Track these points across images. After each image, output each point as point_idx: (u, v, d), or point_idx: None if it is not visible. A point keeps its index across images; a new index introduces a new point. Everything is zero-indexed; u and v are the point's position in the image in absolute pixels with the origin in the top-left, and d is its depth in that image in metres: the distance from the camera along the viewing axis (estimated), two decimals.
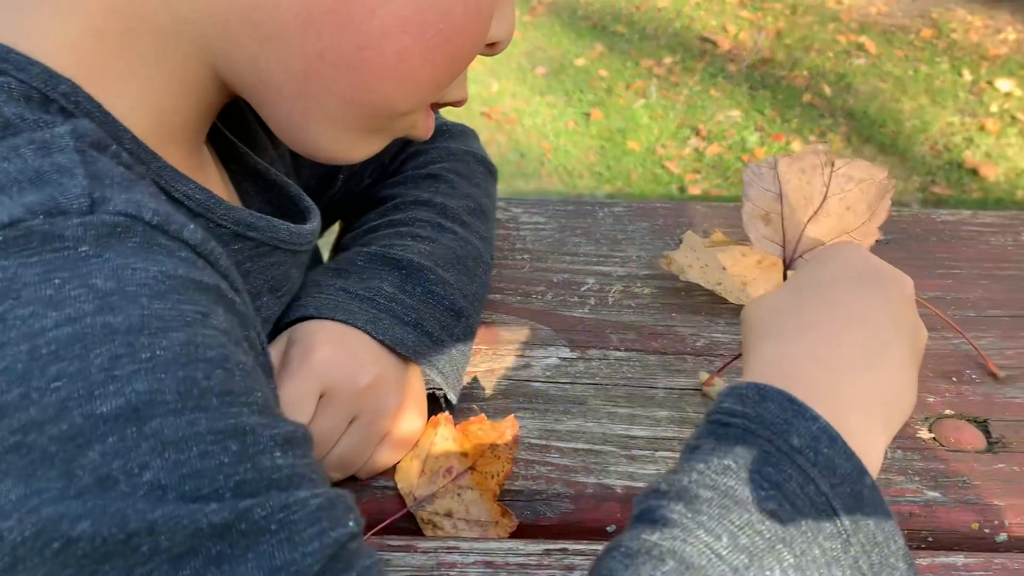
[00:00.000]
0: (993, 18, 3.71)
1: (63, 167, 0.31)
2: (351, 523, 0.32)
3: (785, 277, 0.54)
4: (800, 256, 0.56)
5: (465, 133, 0.72)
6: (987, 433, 0.56)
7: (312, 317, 0.51)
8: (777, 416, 0.35)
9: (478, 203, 0.66)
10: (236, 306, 0.35)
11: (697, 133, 2.94)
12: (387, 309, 0.53)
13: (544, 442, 0.55)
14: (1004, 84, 3.17)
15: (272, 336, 0.52)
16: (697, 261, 0.67)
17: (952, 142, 2.86)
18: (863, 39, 3.57)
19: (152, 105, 0.39)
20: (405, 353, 0.52)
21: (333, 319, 0.51)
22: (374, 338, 0.51)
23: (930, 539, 0.50)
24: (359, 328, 0.51)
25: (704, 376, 0.60)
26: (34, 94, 0.34)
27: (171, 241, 0.32)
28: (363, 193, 0.67)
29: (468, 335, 0.58)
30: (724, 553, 0.31)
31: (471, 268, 0.60)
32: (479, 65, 3.39)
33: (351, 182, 0.66)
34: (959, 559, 0.47)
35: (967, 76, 3.26)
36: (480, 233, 0.64)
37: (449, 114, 0.75)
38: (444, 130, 0.70)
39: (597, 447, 0.55)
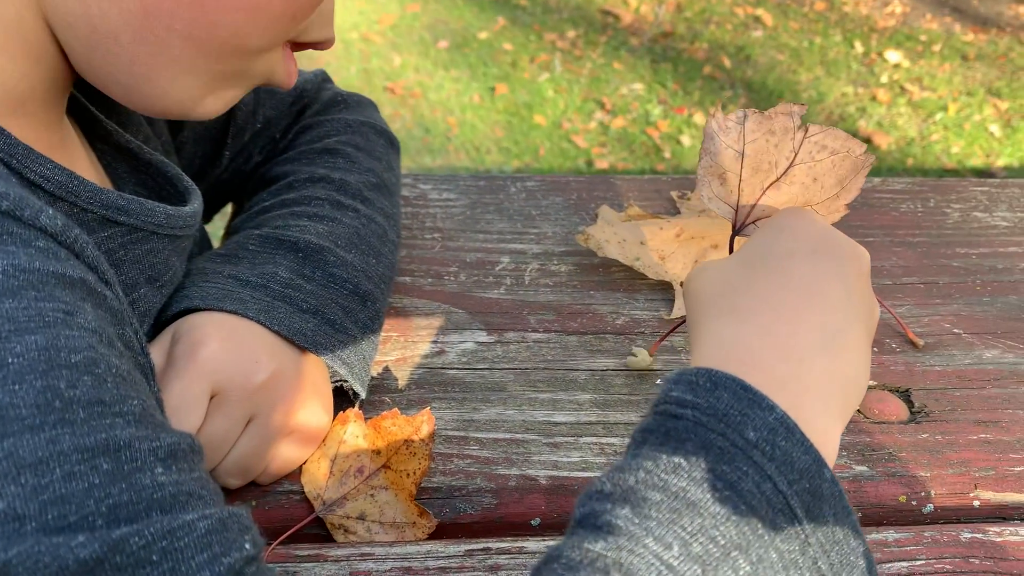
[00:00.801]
0: None
1: None
2: (247, 545, 0.28)
3: (732, 244, 0.51)
4: (752, 223, 0.52)
5: (362, 104, 0.67)
6: (910, 403, 0.55)
7: (199, 309, 0.46)
8: (731, 407, 0.32)
9: (380, 178, 0.61)
10: (107, 301, 0.31)
11: (602, 107, 2.94)
12: (283, 296, 0.48)
13: (462, 434, 0.52)
14: (893, 55, 3.28)
15: (154, 332, 0.46)
16: (615, 236, 0.65)
17: (847, 112, 2.94)
18: (760, 12, 3.63)
19: (6, 87, 0.34)
20: (304, 344, 0.48)
21: (222, 310, 0.46)
22: (269, 329, 0.47)
23: (860, 515, 0.49)
24: (251, 319, 0.46)
25: (637, 351, 0.57)
26: None
27: (25, 229, 0.28)
28: (253, 172, 0.62)
29: (375, 321, 0.54)
30: (675, 564, 0.28)
31: (376, 248, 0.56)
32: (380, 39, 3.30)
33: (238, 160, 0.61)
34: (890, 534, 0.46)
35: (859, 48, 3.35)
36: (384, 210, 0.60)
37: (350, 89, 0.70)
38: (339, 100, 0.65)
39: (518, 436, 0.52)
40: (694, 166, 2.75)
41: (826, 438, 0.34)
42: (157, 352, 0.44)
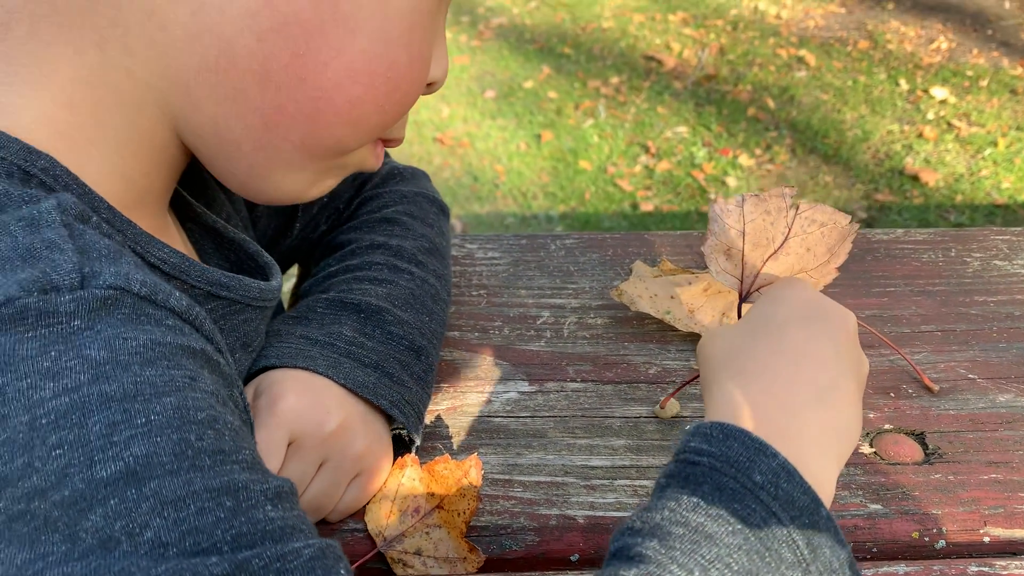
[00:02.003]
0: (925, 28, 3.84)
1: (52, 243, 0.32)
2: (342, 571, 0.33)
3: (740, 310, 0.57)
4: (756, 290, 0.58)
5: (416, 175, 0.74)
6: (924, 445, 0.59)
7: (276, 366, 0.53)
8: (740, 454, 0.38)
9: (432, 243, 0.68)
10: (221, 367, 0.37)
11: (646, 150, 2.99)
12: (347, 353, 0.55)
13: (507, 477, 0.57)
14: (939, 92, 3.28)
15: None
16: (646, 291, 0.70)
17: (892, 150, 2.94)
18: (803, 52, 3.67)
19: (121, 172, 0.41)
20: (367, 396, 0.54)
21: (296, 367, 0.53)
22: (336, 382, 0.53)
23: (874, 550, 0.53)
24: (321, 373, 0.53)
25: (664, 400, 0.63)
26: (15, 170, 0.36)
27: (158, 310, 0.34)
28: (320, 239, 0.69)
29: (429, 373, 0.60)
30: None
31: (428, 307, 0.62)
32: None
33: (307, 229, 0.68)
34: (900, 568, 0.50)
35: (904, 85, 3.36)
36: (436, 272, 0.66)
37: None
38: (396, 174, 0.72)
39: (558, 479, 0.57)
40: None
41: (823, 479, 0.39)
42: None
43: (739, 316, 0.53)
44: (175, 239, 0.49)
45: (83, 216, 0.35)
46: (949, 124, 3.09)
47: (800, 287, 0.48)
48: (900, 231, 0.83)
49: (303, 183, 0.46)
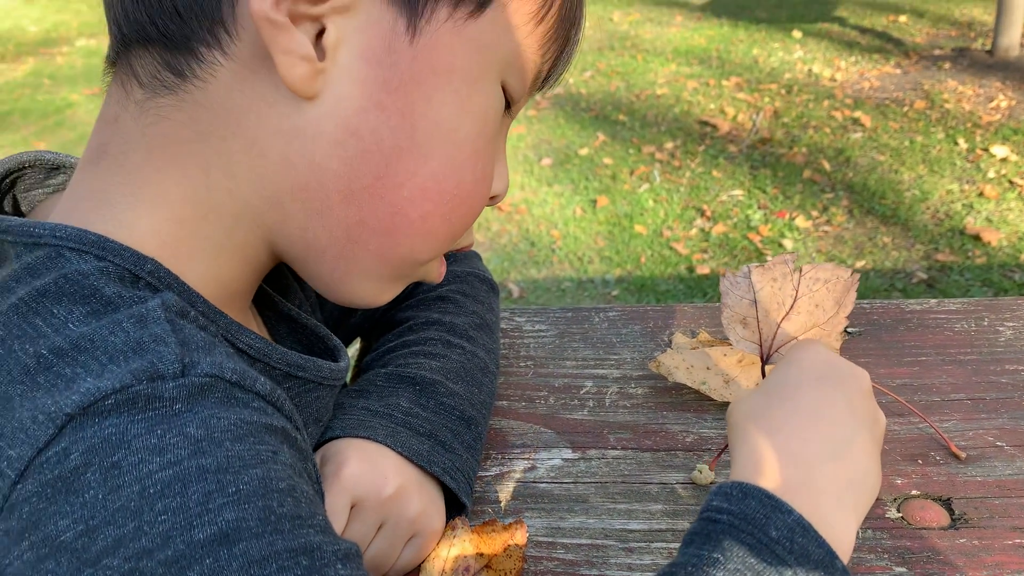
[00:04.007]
0: (983, 87, 3.83)
1: (158, 337, 0.38)
2: None
3: (764, 372, 0.60)
4: (776, 351, 0.62)
5: (469, 256, 0.80)
6: (950, 510, 0.61)
7: (340, 436, 0.58)
8: (757, 511, 0.42)
9: (483, 319, 0.74)
10: (298, 443, 0.43)
11: (702, 214, 3.03)
12: (404, 423, 0.60)
13: (551, 539, 0.62)
14: (999, 150, 3.26)
15: None
16: (683, 362, 0.74)
17: (952, 209, 2.93)
18: (858, 114, 3.69)
19: (216, 276, 0.47)
20: (421, 463, 0.59)
21: (358, 436, 0.58)
22: (394, 450, 0.58)
23: None
24: (380, 442, 0.58)
25: (701, 467, 0.66)
26: (126, 274, 0.42)
27: (246, 394, 0.40)
28: (382, 316, 0.76)
29: (478, 442, 0.65)
30: None
31: (478, 379, 0.68)
32: None
33: (369, 310, 0.74)
34: None
35: (962, 144, 3.35)
36: (486, 346, 0.72)
37: None
38: (450, 255, 0.78)
39: (598, 542, 0.61)
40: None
41: (840, 529, 0.43)
42: None
43: (763, 378, 0.57)
44: (254, 325, 0.56)
45: (183, 312, 0.42)
46: (1011, 182, 3.06)
47: (814, 349, 0.52)
48: (933, 301, 0.86)
49: (375, 290, 0.52)
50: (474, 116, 0.47)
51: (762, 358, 0.62)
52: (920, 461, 0.66)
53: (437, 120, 0.46)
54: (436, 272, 0.55)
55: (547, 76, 0.53)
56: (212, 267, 0.47)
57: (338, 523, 0.55)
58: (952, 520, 0.61)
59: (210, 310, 0.45)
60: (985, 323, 0.82)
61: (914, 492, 0.63)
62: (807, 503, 0.42)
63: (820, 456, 0.45)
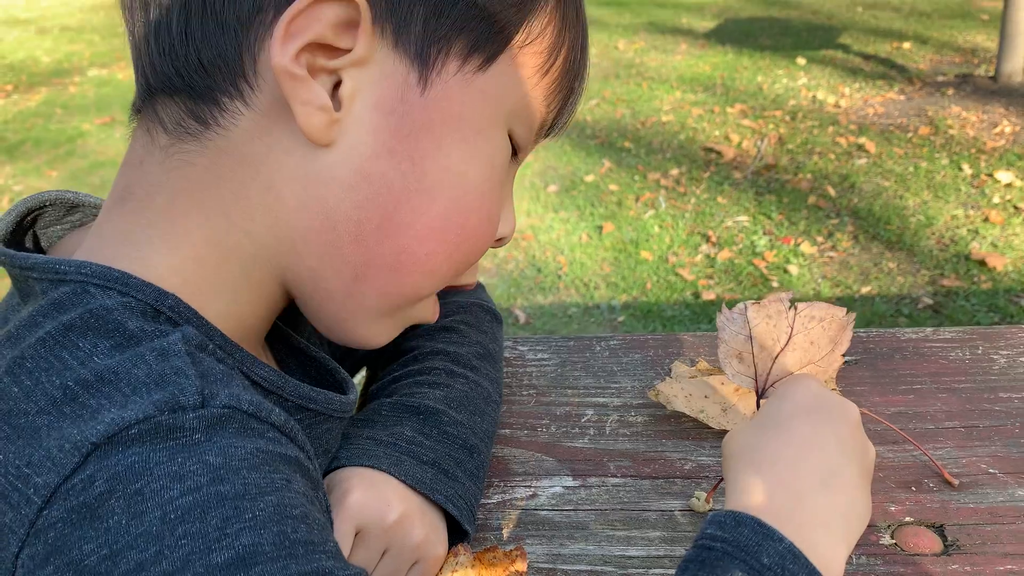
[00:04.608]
0: (987, 113, 3.85)
1: (179, 369, 0.40)
2: None
3: (758, 405, 0.62)
4: (771, 386, 0.63)
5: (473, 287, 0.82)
6: (943, 537, 0.63)
7: (345, 465, 0.60)
8: (750, 539, 0.43)
9: (486, 348, 0.75)
10: (310, 472, 0.44)
11: (707, 240, 3.05)
12: (408, 451, 0.62)
13: (551, 566, 0.63)
14: (1004, 176, 3.27)
15: None
16: (682, 391, 0.76)
17: (958, 235, 2.94)
18: (863, 140, 3.71)
19: (234, 313, 0.49)
20: (424, 491, 0.61)
21: (362, 465, 0.60)
22: (397, 478, 0.60)
23: None
24: (384, 471, 0.60)
25: (698, 495, 0.68)
26: (148, 309, 0.44)
27: (261, 424, 0.42)
28: (386, 346, 0.77)
29: (481, 469, 0.66)
30: None
31: (481, 408, 0.69)
32: None
33: None
34: None
35: (967, 170, 3.37)
36: (489, 375, 0.73)
37: None
38: (455, 285, 0.80)
39: (597, 568, 0.63)
40: (802, 293, 2.77)
41: (830, 557, 0.45)
42: None
43: (757, 411, 0.59)
44: (265, 358, 0.57)
45: (202, 345, 0.44)
46: (1016, 208, 3.07)
47: (805, 384, 0.53)
48: (929, 330, 0.87)
49: (375, 332, 0.54)
50: (481, 162, 0.50)
51: (757, 392, 0.63)
52: (914, 488, 0.67)
53: (446, 165, 0.48)
54: (431, 312, 0.58)
55: (552, 124, 0.55)
56: (230, 304, 0.49)
57: (343, 549, 0.56)
58: (945, 546, 0.62)
59: (227, 344, 0.47)
60: (980, 351, 0.83)
61: (908, 519, 0.64)
62: (798, 532, 0.44)
63: (811, 487, 0.47)
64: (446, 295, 0.79)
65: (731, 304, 0.61)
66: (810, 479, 0.47)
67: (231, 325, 0.48)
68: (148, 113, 0.48)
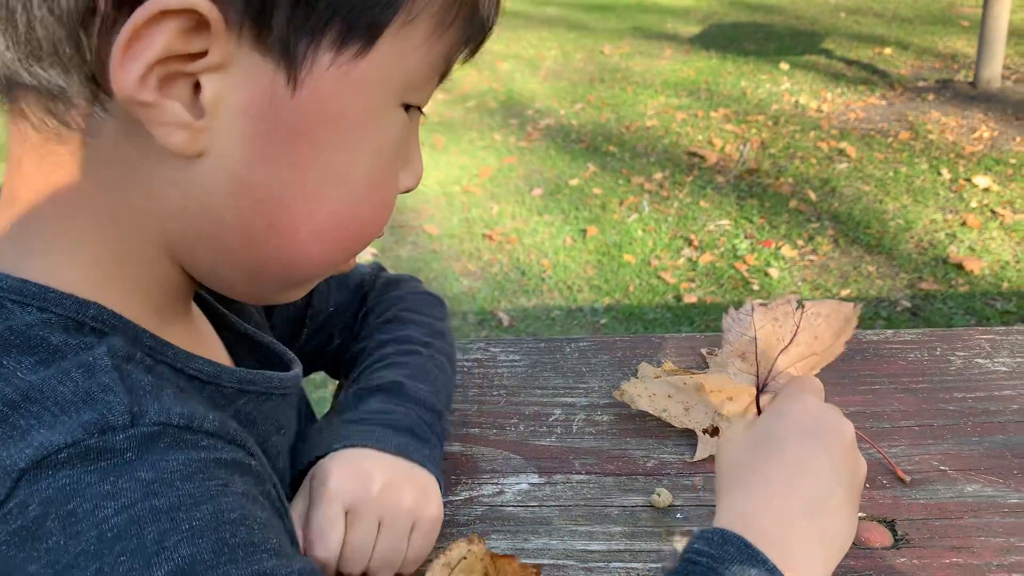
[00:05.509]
0: (966, 118, 3.89)
1: (106, 386, 0.40)
2: None
3: (758, 401, 0.62)
4: (772, 380, 0.62)
5: (406, 279, 0.84)
6: (894, 531, 0.65)
7: (322, 455, 0.62)
8: (734, 557, 0.45)
9: (432, 327, 0.78)
10: (252, 468, 0.45)
11: (690, 243, 3.07)
12: (380, 422, 0.64)
13: None
14: (981, 180, 3.31)
15: (294, 476, 0.63)
16: (645, 391, 0.78)
17: (936, 239, 2.97)
18: (844, 145, 3.75)
19: (154, 306, 0.49)
20: (402, 453, 0.62)
21: (338, 447, 0.62)
22: (377, 448, 0.62)
23: None
24: (361, 446, 0.62)
25: (659, 491, 0.69)
26: (70, 323, 0.43)
27: (194, 434, 0.42)
28: (339, 352, 0.80)
29: (444, 432, 0.70)
30: None
31: (438, 376, 0.73)
32: (479, 190, 3.57)
33: (319, 337, 0.78)
34: None
35: (946, 174, 3.40)
36: (439, 348, 0.76)
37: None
38: (391, 282, 0.83)
39: (560, 561, 0.64)
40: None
41: None
42: (302, 498, 0.60)
43: (757, 408, 0.60)
44: (213, 346, 0.58)
45: (129, 356, 0.43)
46: (993, 212, 3.11)
47: (802, 401, 0.54)
48: (890, 332, 0.90)
49: (290, 295, 0.54)
50: (369, 154, 0.47)
51: (757, 388, 0.63)
52: (868, 485, 0.69)
53: (328, 167, 0.45)
54: (346, 266, 0.56)
55: (459, 55, 0.50)
56: (145, 300, 0.48)
57: (337, 532, 0.58)
58: (895, 541, 0.64)
59: (157, 344, 0.46)
60: (938, 353, 0.86)
61: (861, 514, 0.66)
62: (781, 554, 0.45)
63: (799, 513, 0.48)
64: (385, 290, 0.82)
65: (738, 305, 0.61)
66: (799, 505, 0.49)
67: (154, 318, 0.48)
68: (14, 104, 0.44)
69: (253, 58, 0.41)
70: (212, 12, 0.39)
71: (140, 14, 0.38)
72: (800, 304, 0.63)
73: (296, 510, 0.61)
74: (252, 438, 0.48)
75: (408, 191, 0.54)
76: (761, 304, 0.63)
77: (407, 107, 0.48)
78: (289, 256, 0.48)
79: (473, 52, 0.50)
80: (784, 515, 0.48)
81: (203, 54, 0.40)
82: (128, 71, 0.39)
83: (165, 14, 0.38)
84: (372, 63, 0.43)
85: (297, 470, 0.64)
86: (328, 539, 0.58)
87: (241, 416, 0.53)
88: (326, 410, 0.75)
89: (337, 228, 0.48)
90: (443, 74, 0.49)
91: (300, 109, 0.43)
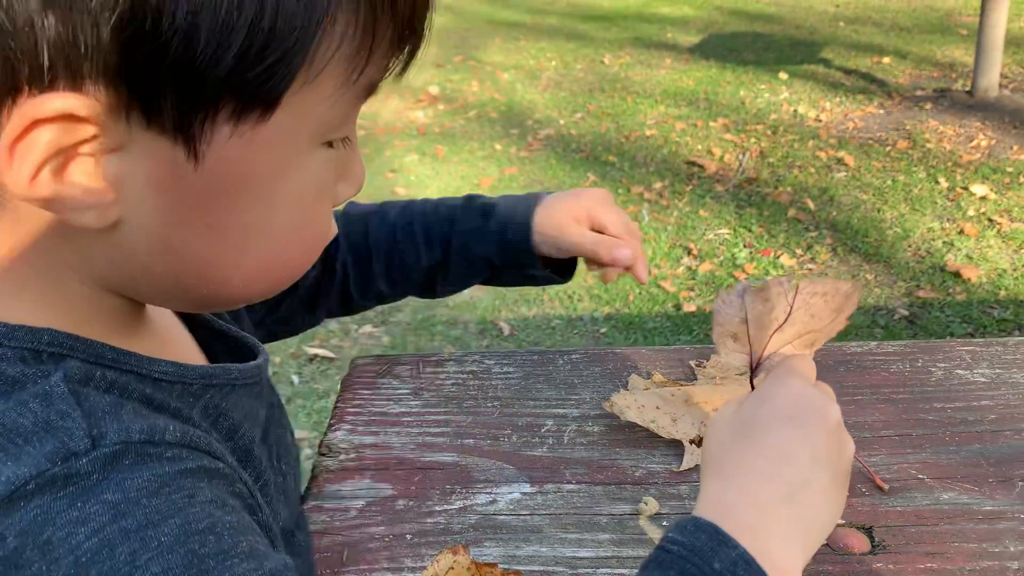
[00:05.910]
0: (964, 126, 3.92)
1: (64, 413, 0.41)
2: None
3: (751, 379, 0.61)
4: (767, 360, 0.61)
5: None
6: (871, 537, 0.67)
7: None
8: (705, 544, 0.46)
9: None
10: (220, 471, 0.46)
11: (689, 252, 3.10)
12: None
13: (506, 566, 0.67)
14: (979, 189, 3.34)
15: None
16: (635, 403, 0.80)
17: (933, 247, 3.00)
18: (842, 154, 3.77)
19: (111, 325, 0.49)
20: None
21: None
22: None
23: None
24: None
25: (647, 500, 0.72)
26: (26, 353, 0.44)
27: (156, 448, 0.43)
28: (321, 280, 0.84)
29: None
30: None
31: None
32: None
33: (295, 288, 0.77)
34: None
35: (943, 183, 3.43)
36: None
37: None
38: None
39: (549, 568, 0.67)
40: None
41: (786, 568, 0.47)
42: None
43: (751, 384, 0.61)
44: (183, 345, 0.59)
45: (86, 378, 0.43)
46: (990, 220, 3.13)
47: (788, 385, 0.54)
48: (873, 343, 0.92)
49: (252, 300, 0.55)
50: (287, 203, 0.47)
51: (751, 367, 0.62)
52: (848, 493, 0.71)
53: (246, 223, 0.46)
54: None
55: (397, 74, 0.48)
56: (100, 322, 0.48)
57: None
58: (872, 547, 0.66)
59: (119, 355, 0.47)
60: (919, 364, 0.88)
61: (840, 521, 0.69)
62: (756, 541, 0.46)
63: (776, 500, 0.49)
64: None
65: (729, 287, 0.61)
66: (777, 491, 0.49)
67: (114, 336, 0.48)
68: None
69: (149, 137, 0.40)
70: (92, 109, 0.38)
71: (14, 127, 0.38)
72: (793, 284, 0.60)
73: None
74: (225, 430, 0.50)
75: (349, 199, 0.54)
76: (752, 286, 0.61)
77: (331, 142, 0.47)
78: (228, 295, 0.50)
79: (404, 70, 0.48)
80: (762, 502, 0.49)
81: (95, 137, 0.40)
82: (18, 172, 0.39)
83: (39, 122, 0.38)
84: (276, 125, 0.43)
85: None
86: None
87: (210, 409, 0.53)
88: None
89: (268, 271, 0.49)
90: (368, 95, 0.48)
91: (207, 177, 0.42)
